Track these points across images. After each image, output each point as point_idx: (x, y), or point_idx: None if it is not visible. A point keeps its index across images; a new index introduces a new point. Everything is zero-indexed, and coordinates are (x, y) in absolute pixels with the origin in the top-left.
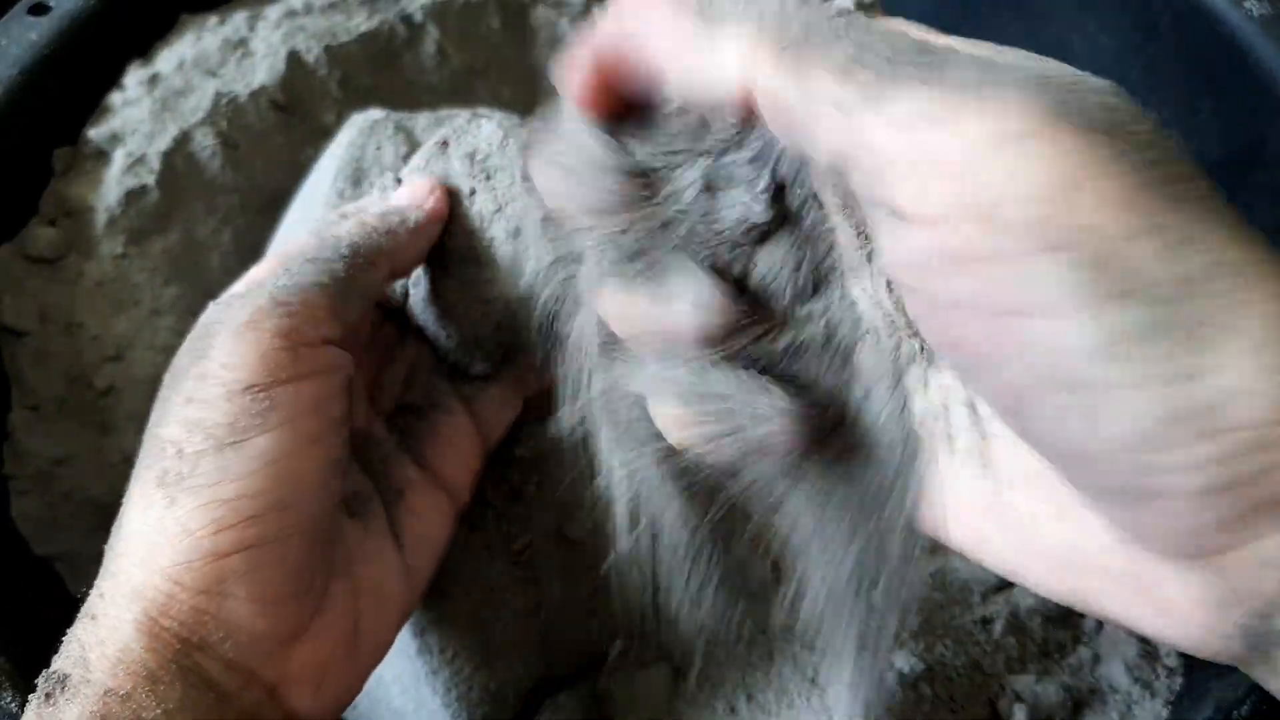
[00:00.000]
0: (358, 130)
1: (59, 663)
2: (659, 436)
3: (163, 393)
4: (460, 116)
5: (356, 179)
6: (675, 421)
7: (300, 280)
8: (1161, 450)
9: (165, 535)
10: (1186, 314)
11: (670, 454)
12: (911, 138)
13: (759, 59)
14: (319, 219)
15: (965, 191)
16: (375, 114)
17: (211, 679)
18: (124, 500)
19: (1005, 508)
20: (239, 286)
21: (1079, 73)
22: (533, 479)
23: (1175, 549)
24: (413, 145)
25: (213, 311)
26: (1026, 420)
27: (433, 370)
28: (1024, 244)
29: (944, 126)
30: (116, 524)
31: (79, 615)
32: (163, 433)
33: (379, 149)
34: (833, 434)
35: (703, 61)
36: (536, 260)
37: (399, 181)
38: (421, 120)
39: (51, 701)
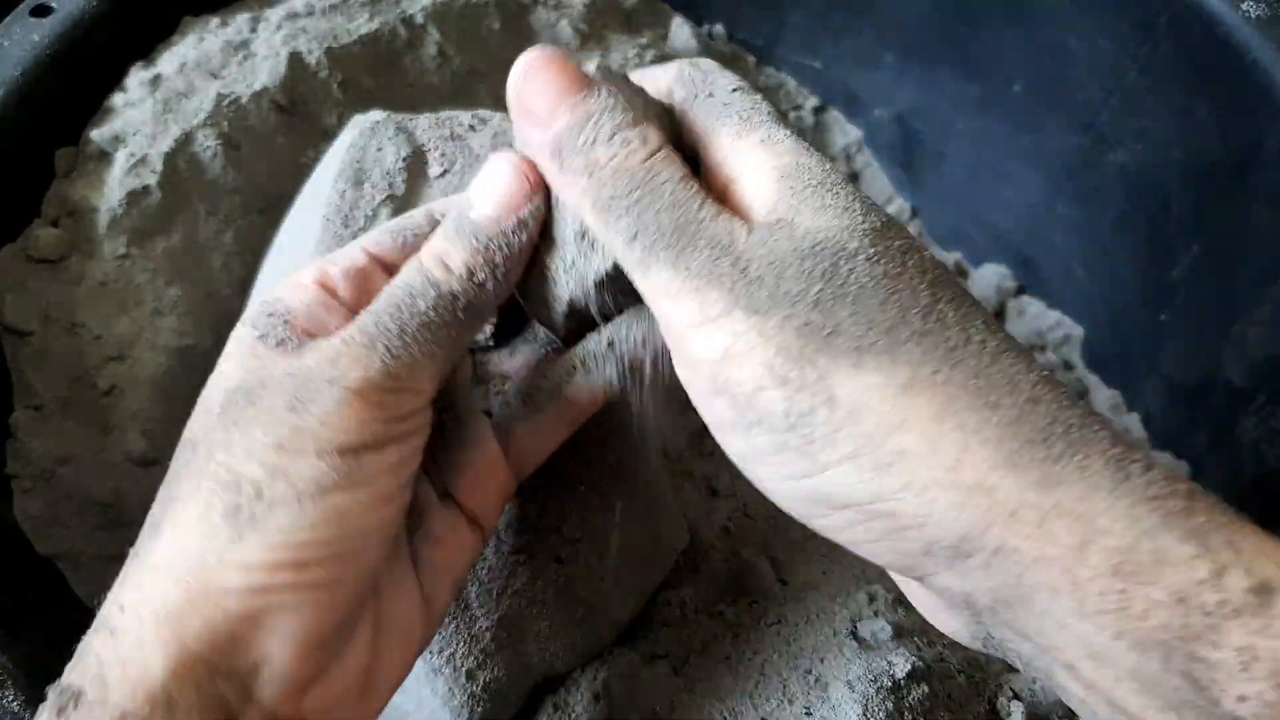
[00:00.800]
0: (359, 132)
1: (72, 676)
2: None
3: (238, 415)
4: (461, 118)
5: (358, 180)
6: None
7: (414, 351)
8: (816, 516)
9: (221, 563)
10: (796, 439)
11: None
12: (656, 304)
13: (593, 220)
14: (428, 250)
15: (684, 351)
16: (376, 115)
17: (229, 710)
18: (162, 512)
19: None
20: (351, 331)
21: (804, 224)
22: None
23: (896, 569)
24: (414, 147)
25: (319, 366)
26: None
27: (468, 394)
28: (710, 388)
29: (670, 303)
30: (150, 535)
31: (94, 626)
32: (241, 469)
33: (380, 150)
34: None
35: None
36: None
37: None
38: (422, 122)
39: (64, 716)
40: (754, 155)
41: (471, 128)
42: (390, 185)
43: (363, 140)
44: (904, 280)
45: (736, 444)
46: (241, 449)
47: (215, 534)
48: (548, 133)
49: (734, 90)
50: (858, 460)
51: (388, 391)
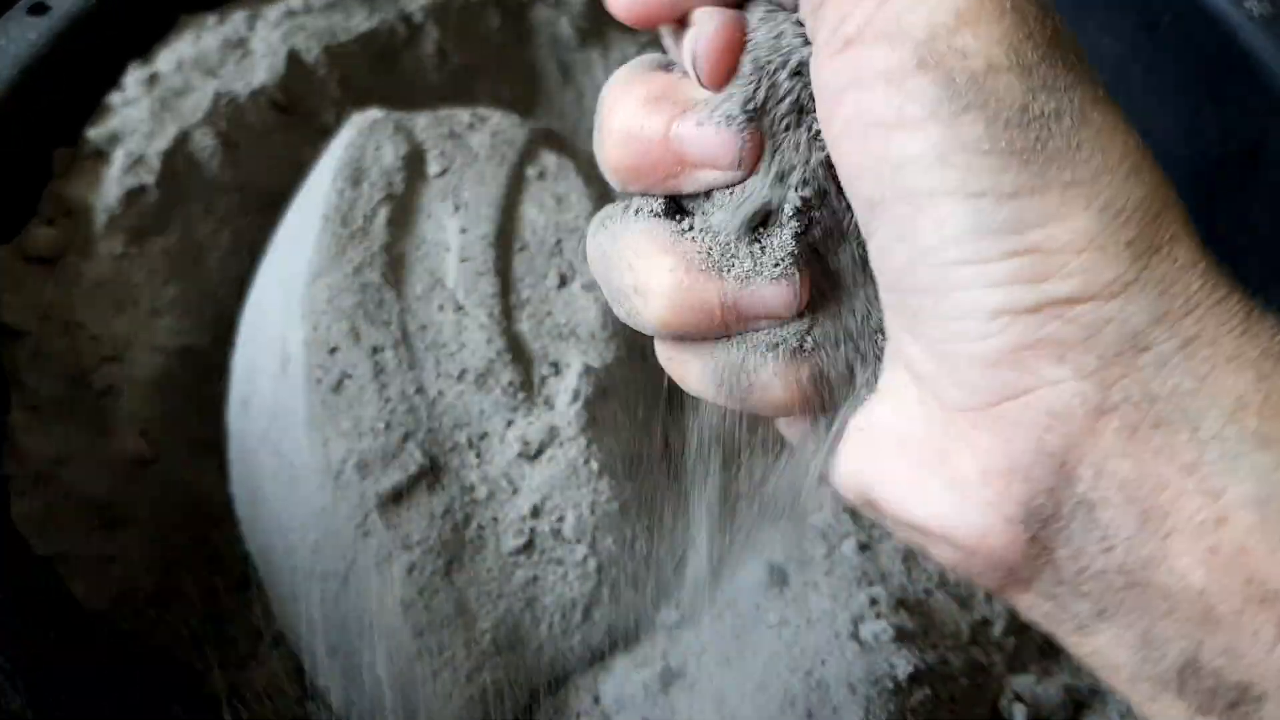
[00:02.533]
0: (357, 130)
1: None
2: None
3: None
4: (460, 116)
5: (356, 179)
6: None
7: None
8: (966, 262)
9: None
10: (1021, 140)
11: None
12: None
13: None
14: None
15: (878, 17)
16: (375, 114)
17: None
18: None
19: None
20: None
21: None
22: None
23: (965, 390)
24: (412, 145)
25: None
26: (870, 238)
27: None
28: (907, 63)
29: None
30: None
31: None
32: None
33: (379, 149)
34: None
35: None
36: None
37: None
38: (421, 120)
39: None
40: None
41: (470, 126)
42: (389, 184)
43: (361, 139)
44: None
45: (919, 139)
46: None
47: None
48: None
49: None
50: (1092, 188)
51: None
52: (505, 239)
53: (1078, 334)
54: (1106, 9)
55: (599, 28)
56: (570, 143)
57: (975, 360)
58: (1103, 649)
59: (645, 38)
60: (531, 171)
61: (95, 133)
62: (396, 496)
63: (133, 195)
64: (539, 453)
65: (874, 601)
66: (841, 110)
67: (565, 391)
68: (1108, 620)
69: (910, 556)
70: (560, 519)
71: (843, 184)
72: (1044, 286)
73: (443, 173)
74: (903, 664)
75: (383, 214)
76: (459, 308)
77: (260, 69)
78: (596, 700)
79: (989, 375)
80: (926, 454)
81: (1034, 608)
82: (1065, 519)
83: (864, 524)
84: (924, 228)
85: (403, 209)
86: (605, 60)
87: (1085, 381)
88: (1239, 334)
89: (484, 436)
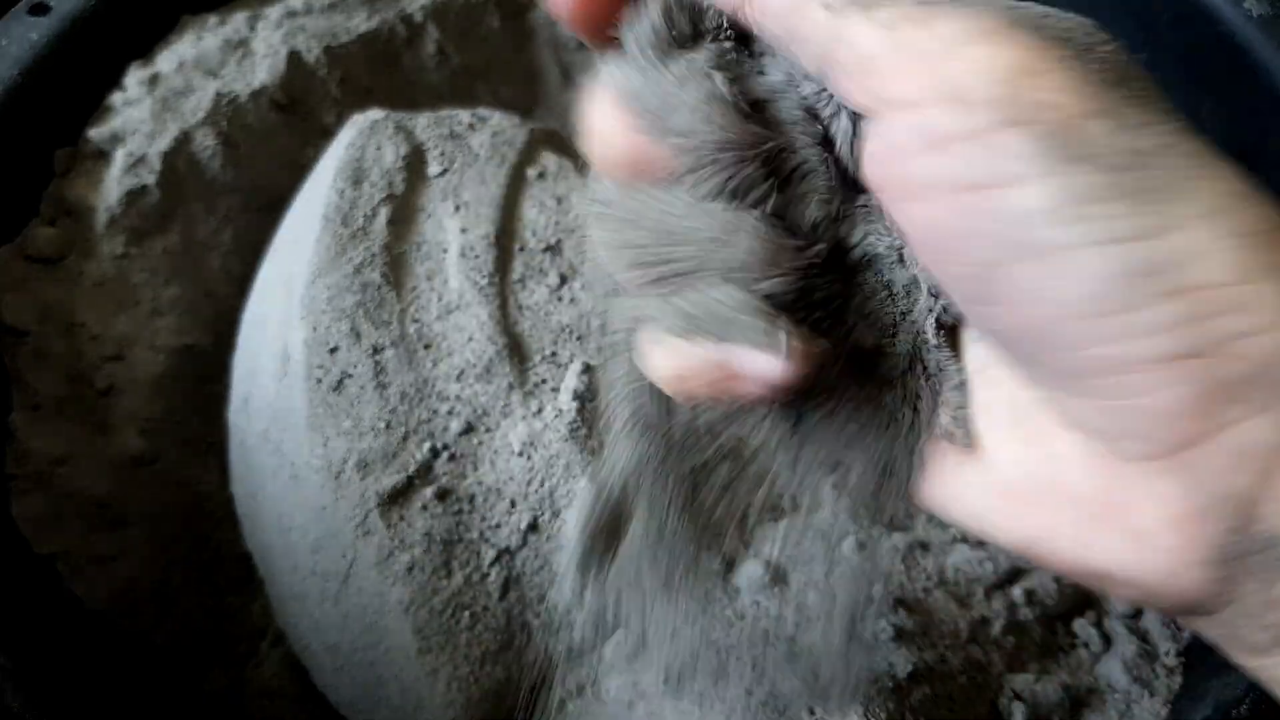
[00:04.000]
0: (358, 130)
1: None
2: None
3: None
4: (461, 116)
5: (357, 179)
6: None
7: None
8: (1120, 311)
9: None
10: (1140, 180)
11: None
12: (892, 34)
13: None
14: None
15: (939, 77)
16: (375, 114)
17: None
18: None
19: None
20: None
21: (1049, 9)
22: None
23: (1144, 442)
24: (413, 145)
25: None
26: (992, 302)
27: None
28: (990, 121)
29: (921, 25)
30: None
31: None
32: None
33: (379, 149)
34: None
35: None
36: None
37: None
38: (421, 120)
39: None
40: None
41: (471, 126)
42: (389, 184)
43: (362, 139)
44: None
45: (1033, 195)
46: None
47: None
48: None
49: None
50: (1223, 217)
51: None
52: (505, 239)
53: (1252, 370)
54: (1106, 9)
55: None
56: (570, 143)
57: (1156, 413)
58: (1276, 673)
59: None
60: (531, 172)
61: (96, 133)
62: (396, 496)
63: (134, 195)
64: (539, 451)
65: (872, 600)
66: (921, 174)
67: (565, 391)
68: None
69: (909, 556)
70: (559, 517)
71: (935, 256)
72: (1209, 325)
73: (443, 173)
74: (902, 662)
75: (383, 214)
76: (459, 307)
77: (261, 69)
78: (598, 696)
79: (1171, 425)
80: (1099, 507)
81: (1211, 630)
82: (1252, 556)
83: (863, 523)
84: (1065, 283)
85: (403, 209)
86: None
87: (1266, 416)
88: None
89: (484, 435)
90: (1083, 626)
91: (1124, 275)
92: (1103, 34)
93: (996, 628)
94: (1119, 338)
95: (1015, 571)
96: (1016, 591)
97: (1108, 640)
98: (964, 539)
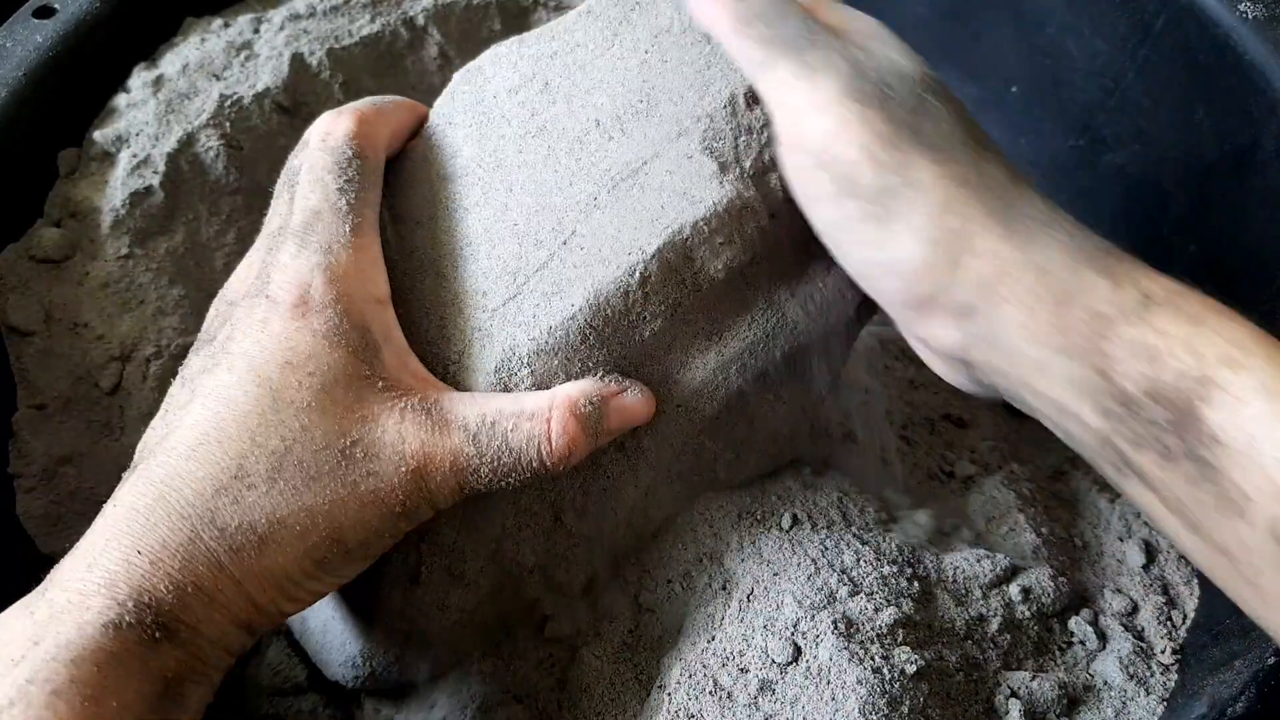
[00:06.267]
0: None
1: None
2: None
3: None
4: None
5: None
6: None
7: None
8: (872, 280)
9: None
10: (879, 211)
11: None
12: (777, 94)
13: (729, 33)
14: None
15: (796, 131)
16: None
17: None
18: None
19: None
20: None
21: (890, 59)
22: None
23: (904, 324)
24: None
25: None
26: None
27: None
28: (814, 163)
29: (789, 91)
30: None
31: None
32: None
33: None
34: None
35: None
36: None
37: None
38: None
39: None
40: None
41: None
42: None
43: None
44: (958, 109)
45: (829, 213)
46: None
47: None
48: None
49: None
50: (921, 230)
51: None
52: None
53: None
54: (1101, 11)
55: None
56: None
57: (892, 303)
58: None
59: None
60: None
61: (101, 134)
62: None
63: (138, 196)
64: None
65: (871, 598)
66: (795, 183)
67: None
68: None
69: (909, 555)
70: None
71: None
72: (914, 287)
73: None
74: (899, 660)
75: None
76: None
77: (265, 72)
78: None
79: (912, 325)
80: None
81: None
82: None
83: (862, 522)
84: (847, 262)
85: None
86: None
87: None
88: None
89: None
90: (1079, 624)
91: (868, 263)
92: (918, 89)
93: (993, 626)
94: (874, 290)
95: (1012, 570)
96: (1013, 590)
97: (1104, 638)
98: (963, 539)
